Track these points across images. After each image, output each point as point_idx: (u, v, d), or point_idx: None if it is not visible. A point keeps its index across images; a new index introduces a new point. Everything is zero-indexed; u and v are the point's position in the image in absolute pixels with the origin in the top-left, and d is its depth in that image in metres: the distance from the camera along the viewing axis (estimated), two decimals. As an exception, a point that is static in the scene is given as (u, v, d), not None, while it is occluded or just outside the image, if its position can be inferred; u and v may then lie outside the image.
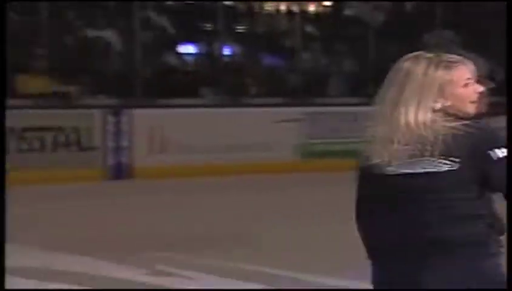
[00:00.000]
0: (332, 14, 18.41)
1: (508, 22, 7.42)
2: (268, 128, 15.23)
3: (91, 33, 16.15)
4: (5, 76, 6.63)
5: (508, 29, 7.22)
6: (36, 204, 11.78)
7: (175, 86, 15.95)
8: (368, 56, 17.07)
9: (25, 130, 13.95)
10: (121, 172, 14.53)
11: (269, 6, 18.23)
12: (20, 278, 7.80)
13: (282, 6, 18.16)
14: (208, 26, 17.30)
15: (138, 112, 14.82)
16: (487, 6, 16.77)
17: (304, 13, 17.24)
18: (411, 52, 3.58)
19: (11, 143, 13.52)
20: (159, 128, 14.83)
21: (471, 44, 6.44)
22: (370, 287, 3.57)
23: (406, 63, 3.50)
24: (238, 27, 17.38)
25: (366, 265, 3.60)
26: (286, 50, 17.51)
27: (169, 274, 8.12)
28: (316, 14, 17.82)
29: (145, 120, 14.77)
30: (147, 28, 16.20)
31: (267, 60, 17.69)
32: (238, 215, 10.96)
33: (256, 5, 18.06)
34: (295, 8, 17.79)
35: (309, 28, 17.27)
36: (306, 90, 16.46)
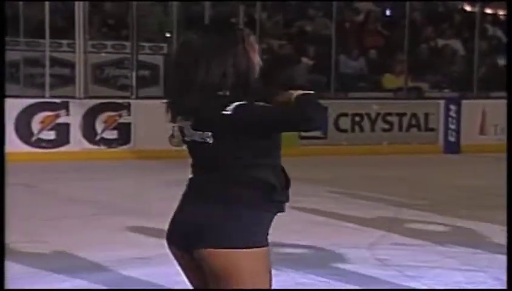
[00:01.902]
0: None
1: (508, 22, 6.44)
2: None
3: (441, 42, 16.76)
4: (4, 76, 6.41)
5: (508, 29, 6.25)
6: (389, 168, 12.71)
7: (503, 83, 16.71)
8: None
9: (386, 114, 14.65)
10: (453, 148, 14.83)
11: None
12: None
13: None
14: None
15: (472, 102, 15.18)
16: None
17: None
18: None
19: (377, 125, 14.74)
20: (484, 115, 15.10)
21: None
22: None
23: None
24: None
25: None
26: None
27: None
28: None
29: (476, 109, 15.07)
30: (484, 38, 16.58)
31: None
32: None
33: None
34: None
35: None
36: None
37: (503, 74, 16.65)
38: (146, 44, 15.35)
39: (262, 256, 3.28)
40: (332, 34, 15.21)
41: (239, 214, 3.24)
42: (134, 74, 14.33)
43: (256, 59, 3.31)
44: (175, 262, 6.50)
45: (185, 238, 3.34)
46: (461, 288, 6.14)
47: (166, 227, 8.18)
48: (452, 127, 14.94)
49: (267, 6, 15.84)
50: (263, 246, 3.28)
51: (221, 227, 3.24)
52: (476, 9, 17.09)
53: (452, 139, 14.95)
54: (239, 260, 3.22)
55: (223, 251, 3.22)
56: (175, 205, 9.89)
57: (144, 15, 15.33)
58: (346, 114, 14.50)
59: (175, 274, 6.21)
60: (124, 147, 13.66)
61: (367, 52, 16.26)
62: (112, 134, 13.64)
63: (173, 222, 3.45)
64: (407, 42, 15.51)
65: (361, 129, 14.65)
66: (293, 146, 12.48)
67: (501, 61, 16.98)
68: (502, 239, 7.42)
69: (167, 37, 15.93)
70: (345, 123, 14.53)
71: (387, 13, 18.19)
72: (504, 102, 14.88)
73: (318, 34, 16.19)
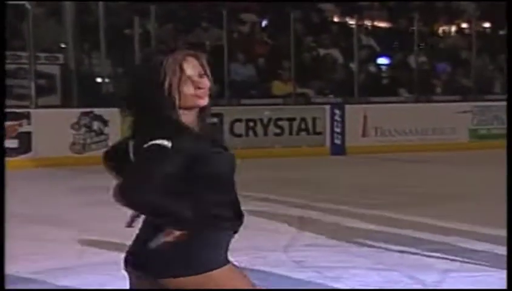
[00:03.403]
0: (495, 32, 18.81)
1: (508, 21, 6.50)
2: (449, 117, 15.64)
3: (322, 51, 16.80)
4: (4, 79, 5.67)
5: (508, 29, 6.13)
6: (283, 170, 12.52)
7: (381, 88, 16.36)
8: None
9: (277, 119, 14.64)
10: (339, 150, 14.87)
11: (443, 28, 18.97)
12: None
13: (454, 28, 18.98)
14: (400, 44, 17.67)
15: (354, 107, 15.28)
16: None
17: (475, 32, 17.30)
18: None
19: (269, 129, 14.58)
20: (366, 118, 15.17)
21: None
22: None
23: None
24: (423, 44, 17.47)
25: None
26: (461, 60, 17.68)
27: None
28: (484, 33, 18.08)
29: (359, 113, 15.16)
30: (360, 47, 16.54)
31: (446, 68, 17.71)
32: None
33: (435, 27, 18.73)
34: (466, 28, 18.45)
35: (479, 43, 17.22)
36: (476, 90, 16.60)
37: (377, 80, 17.09)
38: (42, 54, 14.77)
39: (231, 272, 3.02)
40: (224, 44, 15.00)
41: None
42: (33, 84, 13.77)
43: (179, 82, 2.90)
44: (98, 272, 6.11)
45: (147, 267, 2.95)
46: (399, 288, 5.95)
47: (80, 235, 7.66)
48: (338, 130, 14.94)
49: (159, 16, 15.44)
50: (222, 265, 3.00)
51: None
52: (346, 20, 17.67)
53: (338, 141, 14.96)
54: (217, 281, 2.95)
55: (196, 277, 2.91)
56: (84, 212, 9.25)
57: (38, 26, 14.76)
58: (240, 120, 14.35)
59: (100, 285, 5.85)
60: (25, 156, 13.06)
61: (256, 60, 16.12)
62: (13, 144, 13.03)
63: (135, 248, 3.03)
64: (292, 51, 15.43)
65: (255, 133, 14.51)
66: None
67: (372, 68, 17.30)
68: (408, 237, 7.40)
69: (62, 47, 15.42)
70: (239, 128, 14.38)
71: (263, 24, 18.06)
72: (383, 106, 15.51)
73: (210, 44, 15.93)
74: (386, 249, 7.06)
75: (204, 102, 2.94)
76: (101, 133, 13.46)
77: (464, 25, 19.35)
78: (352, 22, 17.34)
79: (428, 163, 13.69)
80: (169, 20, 16.35)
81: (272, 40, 16.92)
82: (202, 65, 2.95)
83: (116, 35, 15.14)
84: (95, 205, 9.19)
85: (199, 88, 2.91)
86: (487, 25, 19.16)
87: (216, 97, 14.09)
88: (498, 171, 12.03)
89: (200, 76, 2.93)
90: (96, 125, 13.47)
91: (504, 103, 15.96)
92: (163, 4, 15.64)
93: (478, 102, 16.31)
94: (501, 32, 18.52)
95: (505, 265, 6.21)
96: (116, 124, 13.54)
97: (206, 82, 2.94)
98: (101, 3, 15.21)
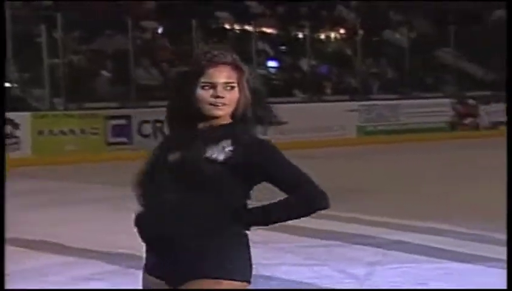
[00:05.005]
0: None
1: (508, 21, 6.33)
2: (338, 115, 15.68)
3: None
4: (4, 79, 5.60)
5: (508, 29, 5.92)
6: None
7: (277, 89, 15.99)
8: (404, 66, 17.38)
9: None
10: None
11: (327, 34, 19.00)
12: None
13: (333, 34, 19.07)
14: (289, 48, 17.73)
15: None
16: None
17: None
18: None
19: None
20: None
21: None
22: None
23: None
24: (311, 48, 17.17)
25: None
26: (348, 64, 17.76)
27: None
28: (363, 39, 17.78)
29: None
30: (256, 52, 16.11)
31: (330, 69, 17.81)
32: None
33: (321, 33, 18.71)
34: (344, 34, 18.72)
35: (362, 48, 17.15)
36: (362, 90, 16.74)
37: (268, 82, 16.76)
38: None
39: None
40: (130, 50, 14.35)
41: None
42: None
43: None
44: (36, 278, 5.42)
45: None
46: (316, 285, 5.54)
47: (29, 238, 6.81)
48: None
49: (65, 25, 14.65)
50: None
51: None
52: (240, 26, 17.39)
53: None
54: None
55: None
56: (28, 215, 8.23)
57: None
58: (147, 121, 13.79)
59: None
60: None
61: (160, 65, 15.52)
62: None
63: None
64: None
65: (163, 134, 13.93)
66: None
67: (263, 71, 17.06)
68: (331, 231, 7.03)
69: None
70: (147, 129, 13.82)
71: (160, 30, 17.53)
72: (279, 106, 15.13)
73: (116, 50, 15.29)
74: (312, 244, 6.66)
75: (219, 112, 2.50)
76: (13, 136, 12.64)
77: (342, 31, 19.36)
78: (245, 28, 16.94)
79: (323, 159, 13.45)
80: (74, 28, 15.56)
81: (172, 45, 16.30)
82: (236, 78, 2.49)
83: (23, 42, 14.31)
84: (19, 208, 8.45)
85: (218, 96, 2.48)
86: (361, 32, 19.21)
87: (123, 99, 13.50)
88: (391, 164, 12.06)
89: (226, 86, 2.48)
90: (7, 128, 12.66)
91: (386, 102, 16.45)
92: (69, 12, 14.88)
93: (364, 101, 16.21)
94: (374, 38, 18.65)
95: (429, 256, 5.98)
96: (26, 128, 12.91)
97: (227, 94, 2.49)
98: (7, 10, 14.35)
